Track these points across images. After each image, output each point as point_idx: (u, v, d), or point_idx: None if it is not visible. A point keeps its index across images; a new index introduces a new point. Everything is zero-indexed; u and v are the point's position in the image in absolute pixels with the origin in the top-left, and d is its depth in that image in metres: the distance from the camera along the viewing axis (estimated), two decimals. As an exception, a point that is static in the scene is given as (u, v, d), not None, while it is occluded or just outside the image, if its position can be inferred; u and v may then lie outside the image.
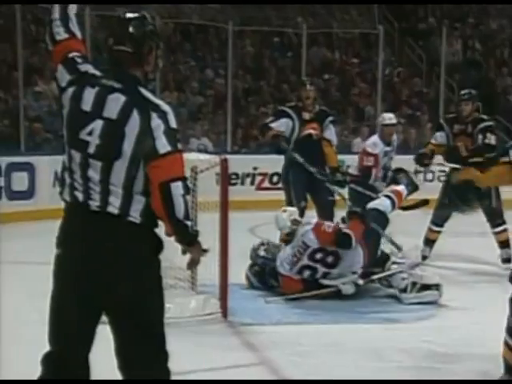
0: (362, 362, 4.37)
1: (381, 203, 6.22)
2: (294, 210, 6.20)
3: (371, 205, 6.21)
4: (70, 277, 2.66)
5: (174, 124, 2.63)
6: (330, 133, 7.12)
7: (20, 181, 9.70)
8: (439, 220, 7.13)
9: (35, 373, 2.73)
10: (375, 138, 7.46)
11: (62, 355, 2.68)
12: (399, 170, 6.94)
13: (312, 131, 6.98)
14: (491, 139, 6.79)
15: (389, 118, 7.53)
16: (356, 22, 15.91)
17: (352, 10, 16.57)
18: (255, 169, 11.46)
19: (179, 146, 2.64)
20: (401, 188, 6.45)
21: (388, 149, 7.40)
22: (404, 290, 5.72)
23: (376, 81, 12.68)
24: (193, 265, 2.83)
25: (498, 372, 3.85)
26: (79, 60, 2.71)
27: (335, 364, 4.33)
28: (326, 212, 6.72)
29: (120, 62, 2.69)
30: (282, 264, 5.78)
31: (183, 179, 2.61)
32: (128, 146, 2.58)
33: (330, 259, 5.71)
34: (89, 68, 2.70)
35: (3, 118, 10.63)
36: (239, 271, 5.41)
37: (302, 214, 6.52)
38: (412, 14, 16.76)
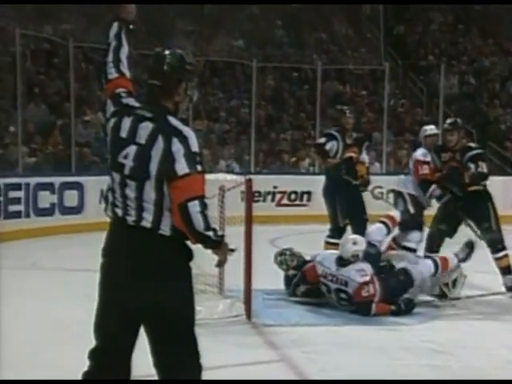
0: (369, 360, 4.33)
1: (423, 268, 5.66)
2: (360, 242, 5.62)
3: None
4: (110, 283, 2.67)
5: (195, 148, 2.58)
6: (364, 155, 7.26)
7: (71, 198, 9.78)
8: (434, 247, 6.32)
9: (84, 367, 2.72)
10: (422, 150, 6.57)
11: (105, 353, 2.68)
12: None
13: (353, 154, 6.98)
14: (483, 167, 6.20)
15: (430, 128, 6.89)
16: (365, 59, 15.92)
17: (361, 49, 16.59)
18: (275, 187, 11.46)
19: (199, 167, 2.57)
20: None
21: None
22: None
23: (382, 110, 12.66)
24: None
25: (491, 368, 3.80)
26: (123, 94, 2.75)
27: (346, 361, 4.29)
28: (360, 229, 6.41)
29: (152, 94, 2.70)
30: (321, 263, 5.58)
31: (200, 197, 2.56)
32: (153, 168, 2.57)
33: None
34: (130, 101, 2.72)
35: (57, 143, 10.72)
36: (261, 278, 5.39)
37: (343, 231, 6.61)
38: (414, 52, 16.73)
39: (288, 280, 5.91)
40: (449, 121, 6.51)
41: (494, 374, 4.05)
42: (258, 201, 10.70)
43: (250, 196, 5.29)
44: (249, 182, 5.21)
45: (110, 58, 2.87)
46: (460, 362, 4.31)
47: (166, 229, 2.60)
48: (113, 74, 2.83)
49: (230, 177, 6.28)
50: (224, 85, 13.83)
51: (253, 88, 11.94)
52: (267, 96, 13.70)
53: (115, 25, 2.92)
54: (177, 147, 2.55)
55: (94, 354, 2.69)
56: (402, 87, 15.69)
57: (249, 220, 5.13)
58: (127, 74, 2.84)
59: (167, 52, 2.76)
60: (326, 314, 5.40)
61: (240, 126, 12.75)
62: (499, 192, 11.64)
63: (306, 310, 5.48)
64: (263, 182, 10.78)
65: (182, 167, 2.54)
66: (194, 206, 2.53)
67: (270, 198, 11.43)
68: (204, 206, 2.56)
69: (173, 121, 2.63)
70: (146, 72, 2.76)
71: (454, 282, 5.77)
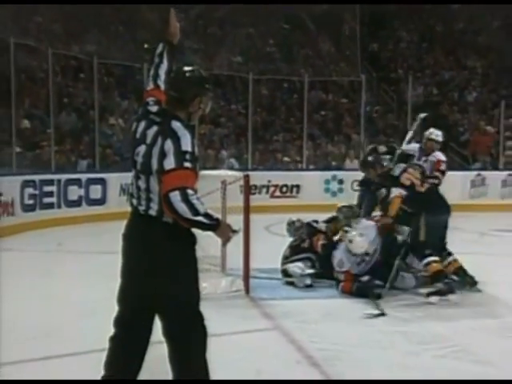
0: (350, 328, 4.31)
1: None
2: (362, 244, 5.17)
3: None
4: (127, 265, 2.67)
5: (186, 147, 2.51)
6: None
7: (95, 191, 9.77)
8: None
9: (106, 342, 2.69)
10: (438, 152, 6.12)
11: (126, 320, 2.64)
12: None
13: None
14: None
15: (435, 134, 6.21)
16: (344, 72, 15.89)
17: (341, 63, 16.54)
18: (269, 181, 11.44)
19: (187, 164, 2.48)
20: None
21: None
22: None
23: (360, 116, 12.63)
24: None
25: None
26: (151, 102, 2.72)
27: (331, 328, 4.28)
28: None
29: (169, 103, 2.68)
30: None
31: (181, 188, 2.45)
32: (154, 164, 2.56)
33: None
34: (154, 108, 2.70)
35: (84, 145, 10.69)
36: (258, 259, 5.36)
37: None
38: (386, 66, 16.69)
39: (293, 248, 5.72)
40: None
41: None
42: (254, 193, 10.66)
43: (248, 189, 5.26)
44: (246, 178, 5.18)
45: (152, 72, 2.88)
46: (424, 328, 4.28)
47: (168, 217, 2.57)
48: (150, 85, 2.83)
49: (230, 173, 6.27)
50: (225, 94, 13.77)
51: (249, 97, 11.89)
52: (262, 104, 13.65)
53: (161, 45, 2.92)
54: (168, 146, 2.53)
55: (117, 322, 2.67)
56: (376, 96, 15.64)
57: (247, 209, 5.09)
58: (162, 86, 2.81)
59: (186, 68, 2.73)
60: (314, 289, 5.35)
61: (239, 129, 12.71)
62: (458, 185, 11.77)
63: (297, 287, 5.42)
64: (259, 177, 10.76)
65: (169, 163, 2.50)
66: (175, 196, 2.45)
67: (264, 190, 11.40)
68: (185, 196, 2.45)
69: (174, 125, 2.57)
70: (167, 84, 2.74)
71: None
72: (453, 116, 14.60)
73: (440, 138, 6.24)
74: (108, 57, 11.85)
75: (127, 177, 2.72)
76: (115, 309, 2.70)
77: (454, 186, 11.82)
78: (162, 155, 2.52)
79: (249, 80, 11.91)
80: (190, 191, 2.47)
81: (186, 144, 2.52)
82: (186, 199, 2.46)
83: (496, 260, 6.57)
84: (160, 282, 2.58)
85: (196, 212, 2.48)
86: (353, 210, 6.05)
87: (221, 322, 3.83)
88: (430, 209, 5.13)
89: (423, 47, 17.32)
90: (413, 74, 14.28)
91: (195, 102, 2.66)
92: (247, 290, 5.14)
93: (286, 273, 5.60)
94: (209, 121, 12.53)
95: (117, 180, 9.66)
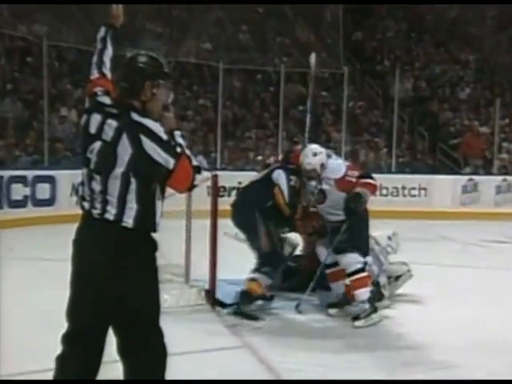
0: (319, 344, 4.39)
1: None
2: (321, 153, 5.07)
3: None
4: (79, 273, 2.66)
5: (164, 136, 2.62)
6: None
7: (43, 190, 9.64)
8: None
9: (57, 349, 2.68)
10: None
11: (76, 337, 2.64)
12: None
13: None
14: None
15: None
16: (325, 63, 15.93)
17: (322, 53, 16.63)
18: (239, 183, 11.41)
19: (178, 149, 2.65)
20: None
21: None
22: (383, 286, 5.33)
23: (341, 112, 12.73)
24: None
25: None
26: (100, 93, 2.74)
27: (301, 345, 4.34)
28: None
29: (120, 93, 2.70)
30: None
31: (193, 180, 2.70)
32: (120, 165, 2.56)
33: None
34: (105, 99, 2.72)
35: (31, 138, 10.56)
36: (225, 269, 5.36)
37: None
38: (371, 58, 16.85)
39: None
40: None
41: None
42: (223, 195, 10.64)
43: (216, 191, 5.27)
44: (215, 178, 5.19)
45: (95, 59, 2.90)
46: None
47: (129, 221, 2.57)
48: (95, 74, 2.86)
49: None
50: (192, 85, 13.76)
51: (219, 89, 11.91)
52: (233, 96, 13.67)
53: (103, 29, 2.94)
54: (149, 145, 2.56)
55: (67, 338, 2.66)
56: (360, 90, 15.79)
57: (214, 214, 5.10)
58: (108, 74, 2.86)
59: (134, 53, 2.75)
60: (281, 304, 5.32)
61: (207, 124, 12.71)
62: (448, 189, 11.96)
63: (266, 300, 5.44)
64: (228, 178, 10.76)
65: (167, 161, 2.59)
66: (197, 180, 2.69)
67: (234, 193, 11.40)
68: (199, 170, 2.71)
69: (137, 117, 2.61)
70: (117, 73, 2.76)
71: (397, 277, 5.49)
72: (443, 115, 14.81)
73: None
74: (60, 39, 11.73)
75: (80, 175, 2.70)
76: (64, 324, 2.67)
77: (444, 191, 12.05)
78: (147, 158, 2.55)
79: (219, 70, 11.92)
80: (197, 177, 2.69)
81: (161, 132, 2.61)
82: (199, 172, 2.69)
83: (461, 273, 6.65)
84: (117, 293, 2.57)
85: (198, 170, 2.74)
86: None
87: (183, 339, 3.83)
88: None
89: (412, 37, 17.54)
90: (400, 67, 14.46)
91: (146, 87, 2.66)
92: (213, 304, 5.14)
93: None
94: (174, 114, 12.49)
95: (68, 178, 9.54)
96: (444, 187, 11.94)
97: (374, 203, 5.26)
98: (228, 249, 5.81)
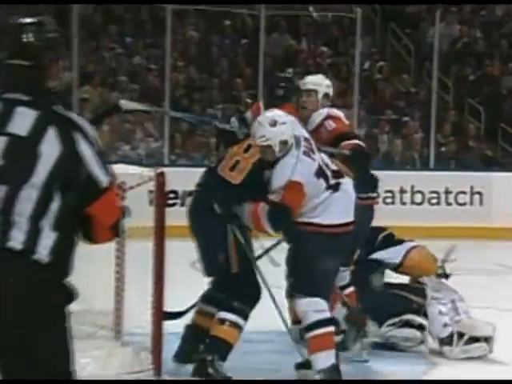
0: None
1: None
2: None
3: None
4: None
5: (98, 144, 2.72)
6: None
7: None
8: None
9: None
10: None
11: None
12: None
13: None
14: None
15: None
16: (328, 4, 16.04)
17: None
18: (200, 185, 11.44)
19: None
20: None
21: None
22: (448, 342, 5.63)
23: (352, 77, 12.80)
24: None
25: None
26: None
27: None
28: None
29: (17, 77, 2.74)
30: None
31: (118, 222, 2.81)
32: (43, 170, 2.60)
33: None
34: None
35: None
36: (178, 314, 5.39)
37: None
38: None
39: None
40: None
41: None
42: (174, 204, 10.69)
43: (163, 198, 5.30)
44: (161, 178, 5.23)
45: None
46: None
47: (44, 252, 2.59)
48: None
49: (133, 169, 6.26)
50: (124, 36, 13.79)
51: (167, 41, 11.94)
52: (188, 53, 13.71)
53: None
54: (83, 146, 2.65)
55: None
56: (381, 44, 15.90)
57: (160, 232, 5.13)
58: None
59: (28, 20, 2.78)
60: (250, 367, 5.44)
61: (148, 95, 12.70)
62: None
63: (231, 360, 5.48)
64: (182, 178, 10.76)
65: (100, 176, 2.68)
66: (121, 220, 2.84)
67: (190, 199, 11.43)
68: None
69: (59, 109, 2.69)
70: (3, 49, 2.80)
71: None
72: (507, 79, 14.90)
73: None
74: None
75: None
76: None
77: (509, 197, 12.14)
78: (78, 161, 2.63)
79: (166, 12, 11.95)
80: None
81: (97, 140, 2.71)
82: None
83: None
84: (19, 346, 2.59)
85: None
86: None
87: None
88: None
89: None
90: (442, 7, 14.54)
91: (53, 68, 2.77)
92: (158, 369, 5.15)
93: None
94: (98, 80, 12.50)
95: None
96: (509, 191, 12.04)
97: (400, 216, 5.32)
98: (181, 285, 5.86)
